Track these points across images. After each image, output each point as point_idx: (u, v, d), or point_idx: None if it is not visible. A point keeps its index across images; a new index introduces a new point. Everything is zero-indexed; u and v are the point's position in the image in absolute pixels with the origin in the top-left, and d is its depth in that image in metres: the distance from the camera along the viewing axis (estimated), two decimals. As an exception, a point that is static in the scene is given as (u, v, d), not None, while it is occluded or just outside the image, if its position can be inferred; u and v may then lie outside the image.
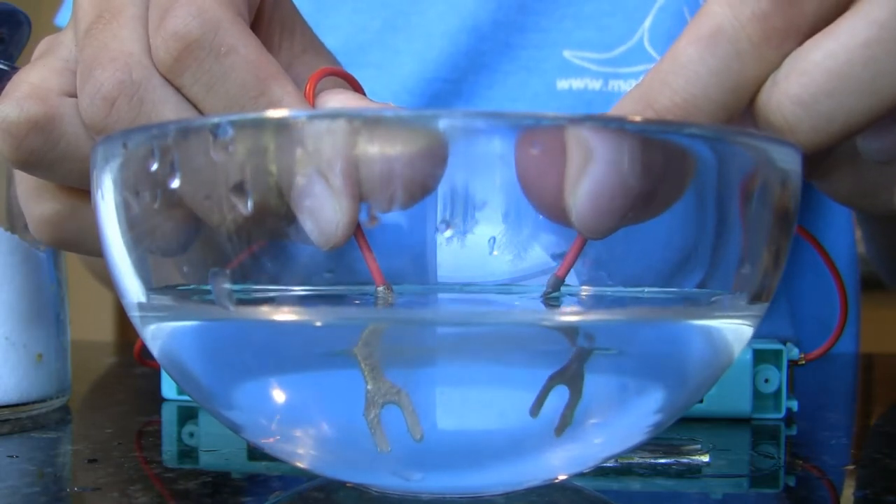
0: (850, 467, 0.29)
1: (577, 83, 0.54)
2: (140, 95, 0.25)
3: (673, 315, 0.21)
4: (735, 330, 0.22)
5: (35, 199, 0.29)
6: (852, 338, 0.65)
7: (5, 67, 0.36)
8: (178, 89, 0.25)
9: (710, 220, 0.21)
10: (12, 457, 0.29)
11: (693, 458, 0.28)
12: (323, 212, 0.20)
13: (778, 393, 0.35)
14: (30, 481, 0.26)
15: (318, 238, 0.21)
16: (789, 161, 0.21)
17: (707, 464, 0.28)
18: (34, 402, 0.36)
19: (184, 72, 0.25)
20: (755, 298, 0.22)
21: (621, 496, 0.25)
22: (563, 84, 0.54)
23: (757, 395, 0.35)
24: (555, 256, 0.21)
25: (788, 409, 0.35)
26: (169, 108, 0.25)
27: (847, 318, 0.35)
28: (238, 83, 0.25)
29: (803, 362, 0.35)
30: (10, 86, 0.27)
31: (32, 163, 0.27)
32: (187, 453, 0.31)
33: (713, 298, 0.21)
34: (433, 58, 0.55)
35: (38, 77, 0.27)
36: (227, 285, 0.20)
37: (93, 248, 0.29)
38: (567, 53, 0.54)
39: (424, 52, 0.55)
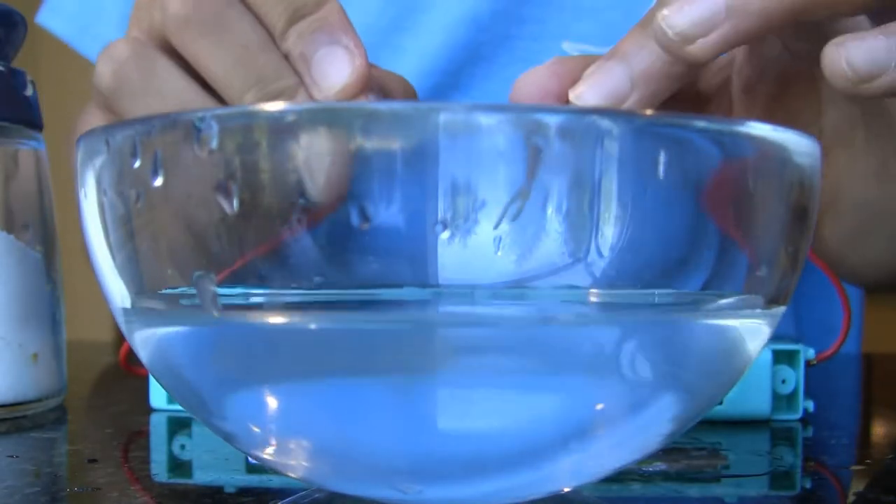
0: (862, 468, 0.29)
1: None
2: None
3: (688, 316, 0.21)
4: (752, 334, 0.21)
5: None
6: (855, 338, 0.65)
7: (2, 68, 0.36)
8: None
9: (724, 219, 0.20)
10: (12, 457, 0.29)
11: (709, 461, 0.28)
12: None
13: (794, 394, 0.35)
14: (29, 481, 0.26)
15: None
16: (807, 156, 0.21)
17: (725, 466, 0.28)
18: (30, 402, 0.36)
19: None
20: (772, 301, 0.21)
21: (628, 500, 0.25)
22: None
23: (773, 396, 0.35)
24: None
25: (805, 410, 0.35)
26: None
27: (851, 319, 0.35)
28: None
29: (815, 362, 0.35)
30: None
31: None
32: (187, 454, 0.31)
33: (729, 301, 0.21)
34: (432, 51, 0.55)
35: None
36: (213, 289, 0.20)
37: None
38: (566, 45, 0.54)
39: (426, 48, 0.55)
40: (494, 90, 0.54)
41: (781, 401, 0.35)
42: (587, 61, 0.29)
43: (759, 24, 0.26)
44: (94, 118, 0.36)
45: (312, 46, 0.29)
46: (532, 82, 0.29)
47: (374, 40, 0.56)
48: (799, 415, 0.35)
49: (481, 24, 0.54)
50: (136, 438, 0.32)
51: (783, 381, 0.34)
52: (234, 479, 0.26)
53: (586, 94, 0.27)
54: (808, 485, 0.28)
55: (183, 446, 0.32)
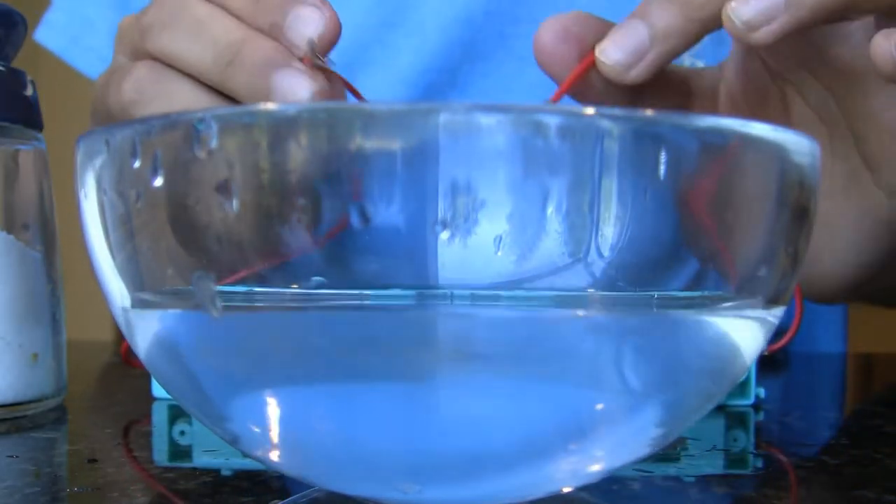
0: (848, 466, 0.29)
1: None
2: None
3: (688, 316, 0.21)
4: (751, 334, 0.21)
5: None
6: (840, 338, 0.66)
7: (2, 68, 0.36)
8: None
9: (723, 219, 0.20)
10: (12, 457, 0.29)
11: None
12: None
13: (746, 381, 0.37)
14: (30, 481, 0.26)
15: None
16: (807, 156, 0.21)
17: (685, 448, 0.28)
18: (30, 402, 0.36)
19: None
20: (771, 301, 0.21)
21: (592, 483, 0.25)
22: None
23: None
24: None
25: (756, 396, 0.38)
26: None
27: (802, 313, 0.38)
28: None
29: (766, 353, 0.37)
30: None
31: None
32: (186, 453, 0.31)
33: (728, 301, 0.21)
34: (428, 50, 0.55)
35: None
36: (213, 289, 0.20)
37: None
38: None
39: (421, 46, 0.55)
40: (492, 88, 0.55)
41: (735, 387, 0.36)
42: (605, 25, 0.33)
43: (814, 15, 0.29)
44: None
45: (280, 15, 0.31)
46: (555, 26, 0.33)
47: (365, 37, 0.56)
48: (751, 401, 0.38)
49: (475, 24, 0.55)
50: (141, 435, 0.32)
51: None
52: (238, 468, 0.26)
53: (609, 49, 0.31)
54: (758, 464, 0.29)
55: (182, 432, 0.32)
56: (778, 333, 0.37)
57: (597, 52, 0.32)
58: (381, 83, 0.55)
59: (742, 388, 0.37)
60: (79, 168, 0.21)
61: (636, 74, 0.31)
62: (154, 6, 0.34)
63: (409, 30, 0.56)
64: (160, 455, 0.30)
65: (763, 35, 0.30)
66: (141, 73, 0.34)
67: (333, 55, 0.31)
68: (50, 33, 0.60)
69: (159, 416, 0.36)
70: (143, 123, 0.20)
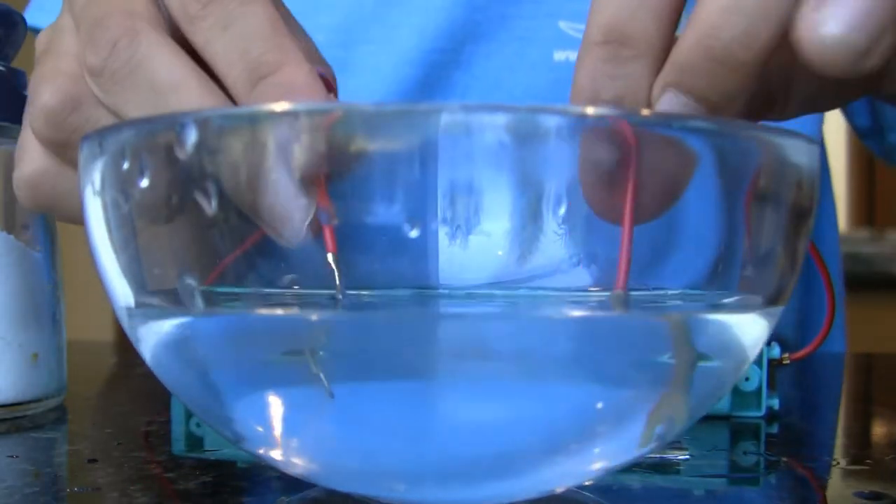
0: (847, 466, 0.29)
1: (573, 55, 0.54)
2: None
3: (688, 316, 0.21)
4: (751, 333, 0.21)
5: (18, 160, 0.29)
6: (840, 338, 0.65)
7: (2, 68, 0.36)
8: (189, 37, 0.26)
9: (722, 220, 0.20)
10: (12, 457, 0.29)
11: (671, 454, 0.28)
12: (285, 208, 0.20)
13: (758, 391, 0.35)
14: (29, 481, 0.26)
15: (281, 233, 0.20)
16: (806, 156, 0.21)
17: (686, 459, 0.28)
18: (30, 402, 0.36)
19: (207, 16, 0.25)
20: (771, 301, 0.21)
21: (597, 490, 0.25)
22: (560, 55, 0.55)
23: (737, 393, 0.35)
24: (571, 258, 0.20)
25: (769, 408, 0.35)
26: None
27: (834, 319, 0.35)
28: (255, 28, 0.25)
29: (787, 361, 0.35)
30: (35, 79, 0.28)
31: (74, 143, 0.27)
32: (187, 453, 0.31)
33: (728, 300, 0.21)
34: (430, 31, 0.55)
35: (64, 63, 0.28)
36: (194, 286, 0.20)
37: (69, 212, 0.29)
38: (562, 25, 0.55)
39: (422, 25, 0.55)
40: (495, 68, 0.55)
41: (746, 398, 0.35)
42: None
43: None
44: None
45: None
46: None
47: (365, 14, 0.56)
48: (762, 413, 0.35)
49: (477, 4, 0.55)
50: (141, 435, 0.32)
51: (746, 379, 0.35)
52: (240, 469, 0.26)
53: (831, 21, 0.20)
54: (786, 482, 0.28)
55: (193, 431, 0.32)
56: (801, 340, 0.36)
57: (806, 29, 0.20)
58: (384, 61, 0.55)
59: (755, 398, 0.35)
60: (82, 169, 0.22)
61: (874, 63, 0.20)
62: (103, 42, 0.26)
63: (411, 8, 0.56)
64: (161, 455, 0.30)
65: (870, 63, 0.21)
66: (53, 104, 0.27)
67: (332, 32, 0.29)
68: (40, 15, 0.58)
69: (160, 416, 0.36)
70: (130, 126, 0.20)
